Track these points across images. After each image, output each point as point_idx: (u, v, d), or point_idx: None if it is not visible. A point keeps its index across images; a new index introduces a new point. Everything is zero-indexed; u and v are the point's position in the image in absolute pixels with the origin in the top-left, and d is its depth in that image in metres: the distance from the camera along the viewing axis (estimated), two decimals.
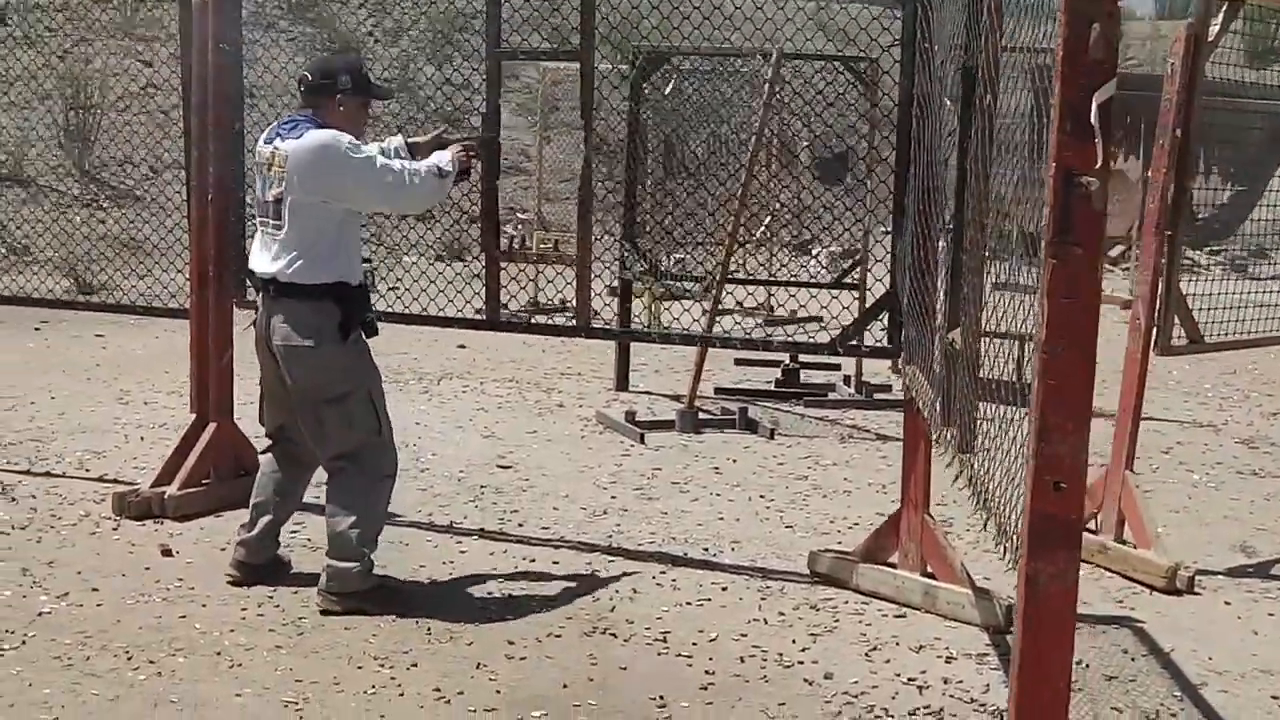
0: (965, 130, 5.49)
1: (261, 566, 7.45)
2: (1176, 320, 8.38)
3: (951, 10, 6.09)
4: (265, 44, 22.28)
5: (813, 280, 13.81)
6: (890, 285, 7.70)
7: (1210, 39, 8.23)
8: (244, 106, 9.05)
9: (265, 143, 7.22)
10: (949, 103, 5.93)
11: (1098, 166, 3.70)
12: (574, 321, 9.05)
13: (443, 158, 7.23)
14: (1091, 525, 8.47)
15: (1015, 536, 4.25)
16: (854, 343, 8.03)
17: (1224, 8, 8.32)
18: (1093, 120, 3.69)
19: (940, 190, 6.19)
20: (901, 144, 7.45)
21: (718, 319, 13.19)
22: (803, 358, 12.82)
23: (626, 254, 11.58)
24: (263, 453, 7.74)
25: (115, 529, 8.27)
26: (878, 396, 12.63)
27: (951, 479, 5.83)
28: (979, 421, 5.05)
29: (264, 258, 7.15)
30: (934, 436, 6.45)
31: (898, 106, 7.60)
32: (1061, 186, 3.72)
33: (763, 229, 16.04)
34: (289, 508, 7.63)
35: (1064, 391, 3.77)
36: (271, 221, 7.13)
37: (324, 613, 6.96)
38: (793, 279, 14.88)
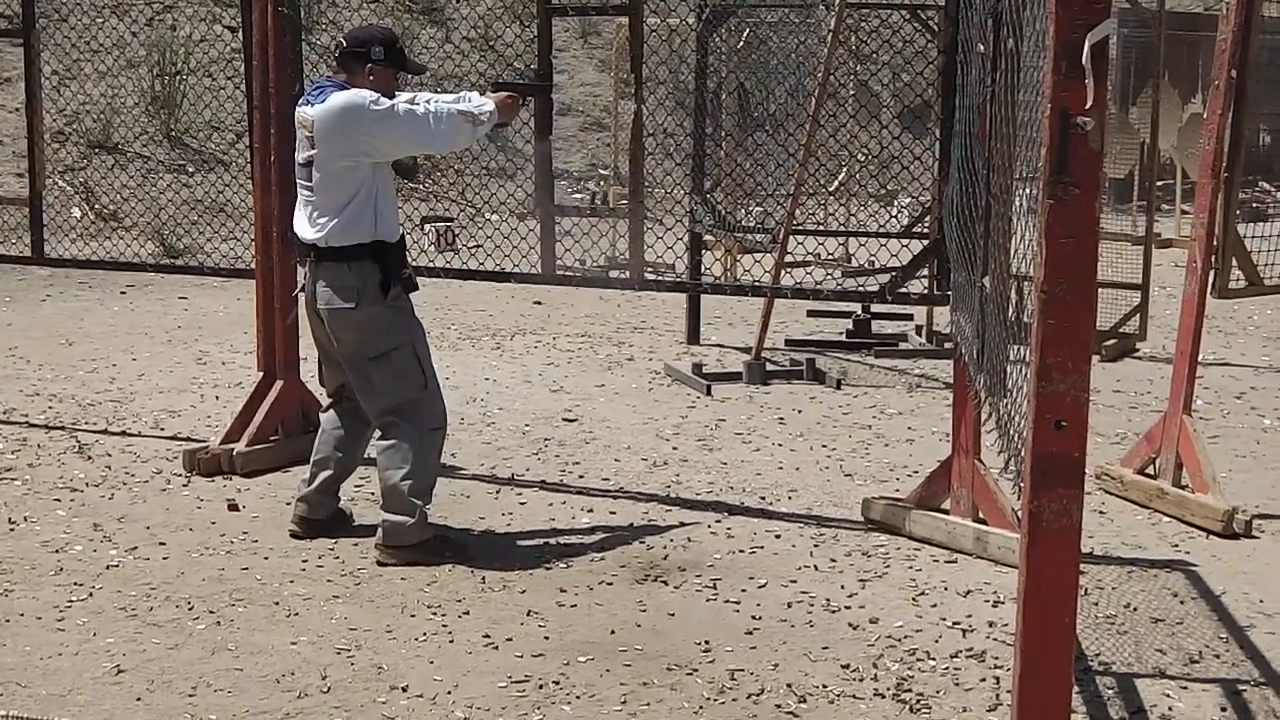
0: (992, 75, 5.50)
1: (322, 521, 7.57)
2: (1235, 262, 8.37)
3: None
4: (343, 6, 22.46)
5: (882, 230, 13.71)
6: (938, 233, 7.72)
7: None
8: (303, 67, 9.11)
9: (300, 106, 7.40)
10: (981, 49, 5.93)
11: (1092, 106, 3.72)
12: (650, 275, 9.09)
13: (477, 102, 7.30)
14: (1150, 470, 8.47)
15: None
16: (902, 290, 8.03)
17: None
18: (1085, 61, 3.71)
19: (978, 137, 6.21)
20: (946, 91, 7.46)
21: (791, 271, 13.24)
22: (875, 308, 12.80)
23: (696, 207, 11.62)
24: (323, 411, 7.82)
25: (185, 485, 8.41)
26: (947, 345, 12.61)
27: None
28: (1008, 365, 5.07)
29: (303, 222, 7.34)
30: (970, 382, 6.48)
31: (941, 54, 7.61)
32: (1058, 126, 3.74)
33: (839, 180, 16.02)
34: (349, 464, 7.71)
35: (1064, 330, 3.78)
36: (303, 184, 7.32)
37: (380, 564, 7.08)
38: (861, 229, 14.86)
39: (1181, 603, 6.83)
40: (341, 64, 7.31)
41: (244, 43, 9.11)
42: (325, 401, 7.82)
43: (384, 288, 7.12)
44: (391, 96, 7.22)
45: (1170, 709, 5.64)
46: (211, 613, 6.46)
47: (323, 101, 7.09)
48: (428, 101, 7.25)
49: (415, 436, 7.18)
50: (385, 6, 24.12)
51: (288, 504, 7.94)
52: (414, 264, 9.09)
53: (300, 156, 7.33)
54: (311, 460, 7.64)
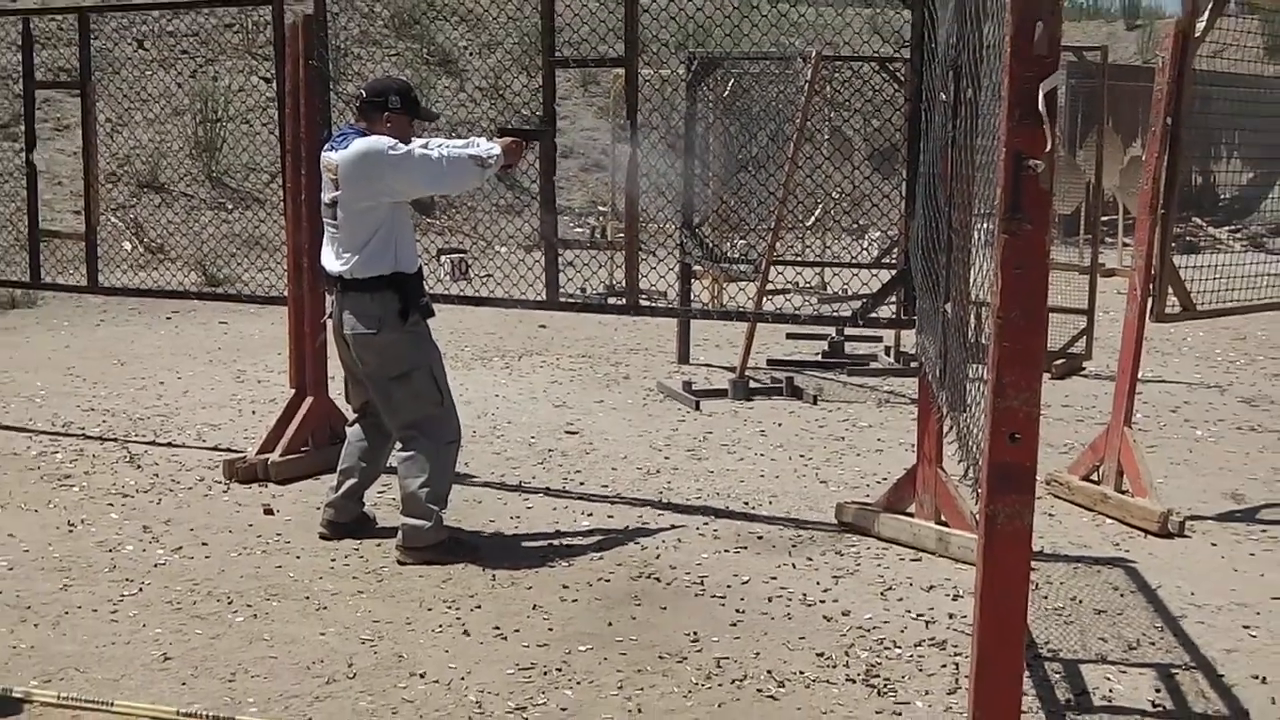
0: (953, 121, 5.51)
1: (347, 525, 7.59)
2: (1171, 290, 8.38)
3: (946, 15, 6.11)
4: (369, 60, 22.49)
5: (854, 261, 13.75)
6: (905, 263, 7.74)
7: (1197, 35, 8.19)
8: (330, 114, 9.12)
9: (323, 153, 7.47)
10: (943, 97, 5.94)
11: (1045, 150, 3.73)
12: (644, 302, 9.09)
13: (484, 147, 7.33)
14: (1095, 476, 8.49)
15: None
16: (872, 315, 8.05)
17: (1209, 6, 8.27)
18: (1039, 108, 3.72)
19: (940, 177, 6.21)
20: (913, 135, 7.48)
21: (772, 298, 13.25)
22: (848, 331, 12.84)
23: (686, 240, 11.63)
24: (349, 425, 7.84)
25: (225, 491, 8.42)
26: (913, 365, 12.61)
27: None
28: (967, 383, 5.07)
29: (330, 255, 7.35)
30: (933, 398, 6.49)
31: (907, 102, 7.63)
32: (1012, 168, 3.75)
33: (815, 216, 16.04)
34: (372, 473, 7.70)
35: (1017, 352, 3.79)
36: (329, 222, 7.37)
37: (400, 563, 7.10)
38: (834, 260, 14.90)
39: (1122, 596, 6.84)
40: (362, 113, 7.34)
41: (278, 93, 9.13)
42: (351, 416, 7.85)
43: (403, 315, 7.16)
44: (408, 141, 7.27)
45: (1111, 691, 5.65)
46: (249, 606, 6.47)
47: (345, 148, 7.15)
48: (440, 147, 7.33)
49: (432, 449, 7.21)
50: (405, 59, 24.17)
51: (317, 509, 7.95)
52: (431, 292, 9.11)
53: (326, 197, 7.37)
54: (338, 469, 7.66)
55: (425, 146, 7.28)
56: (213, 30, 22.01)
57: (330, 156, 7.27)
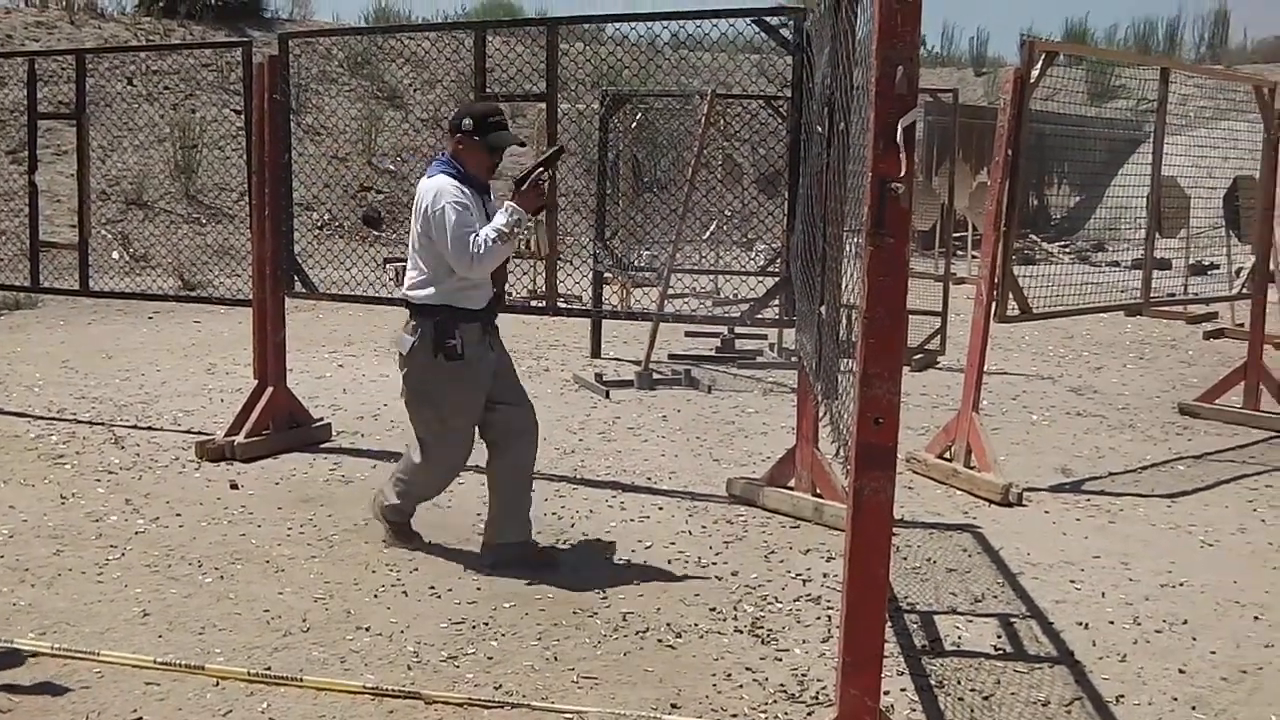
0: (827, 150, 5.49)
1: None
2: (1011, 295, 8.42)
3: (821, 60, 6.09)
4: (327, 95, 22.29)
5: (743, 269, 13.78)
6: (787, 271, 7.73)
7: (1032, 81, 8.23)
8: (292, 142, 9.01)
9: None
10: (819, 129, 5.92)
11: (903, 174, 3.72)
12: (562, 304, 9.01)
13: (499, 220, 6.30)
14: (947, 455, 8.51)
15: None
16: (759, 316, 8.04)
17: (1042, 57, 8.32)
18: (898, 140, 3.70)
19: (816, 198, 6.19)
20: (793, 162, 7.46)
21: (672, 301, 13.23)
22: (737, 330, 12.83)
23: (598, 251, 11.58)
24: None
25: (196, 469, 8.29)
26: (793, 359, 12.60)
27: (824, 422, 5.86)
28: (839, 375, 5.05)
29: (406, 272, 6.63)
30: (810, 387, 6.49)
31: (789, 133, 7.61)
32: (877, 190, 3.73)
33: (710, 231, 16.04)
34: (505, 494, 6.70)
35: (881, 348, 3.78)
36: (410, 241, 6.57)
37: (366, 523, 6.91)
38: (726, 269, 14.91)
39: (969, 556, 6.86)
40: (448, 136, 6.56)
41: (246, 122, 9.01)
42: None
43: (435, 347, 6.34)
44: (483, 169, 6.52)
45: (960, 638, 5.67)
46: (216, 569, 6.37)
47: (430, 178, 6.40)
48: (484, 235, 6.25)
49: (423, 468, 6.64)
50: (357, 94, 23.99)
51: (277, 484, 7.92)
52: (376, 296, 9.04)
53: (412, 218, 6.55)
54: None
55: (476, 233, 6.23)
56: (192, 69, 21.80)
57: (421, 182, 6.50)
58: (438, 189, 6.28)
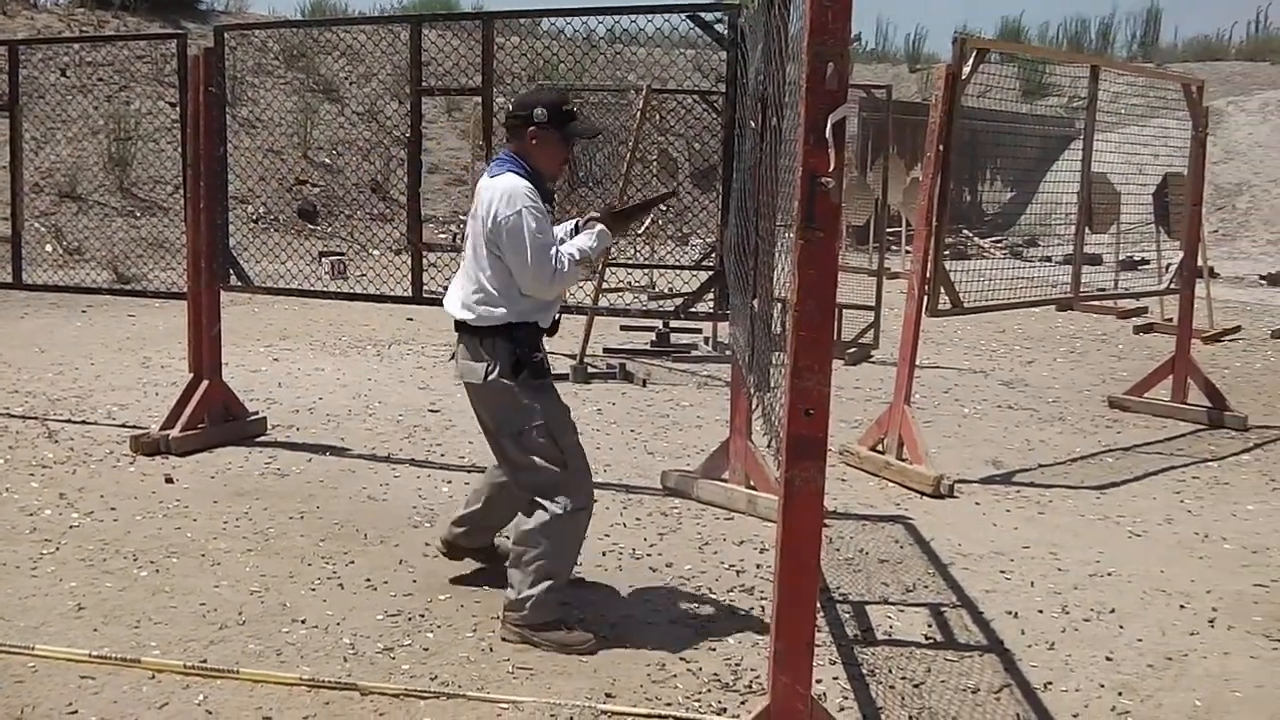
0: (761, 145, 5.52)
1: (470, 549, 6.17)
2: (943, 290, 8.49)
3: (755, 56, 6.13)
4: (262, 87, 22.16)
5: (678, 264, 13.81)
6: (721, 265, 7.77)
7: (964, 78, 8.30)
8: (227, 135, 8.97)
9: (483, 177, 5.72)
10: (753, 124, 5.95)
11: (833, 170, 3.75)
12: None
13: (585, 241, 5.70)
14: (880, 447, 8.58)
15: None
16: (693, 310, 8.07)
17: (974, 54, 8.39)
18: (828, 135, 3.74)
19: (750, 192, 6.23)
20: (728, 157, 7.49)
21: (608, 295, 13.26)
22: (672, 323, 12.88)
23: None
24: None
25: (131, 463, 8.23)
26: (727, 352, 12.65)
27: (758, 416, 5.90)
28: (771, 368, 5.09)
29: (454, 288, 5.74)
30: (744, 380, 6.53)
31: (723, 129, 7.65)
32: (807, 185, 3.77)
33: (645, 225, 16.06)
34: (502, 505, 5.99)
35: (811, 340, 3.81)
36: (464, 249, 5.74)
37: (504, 640, 5.49)
38: (661, 263, 14.94)
39: (901, 547, 6.92)
40: (510, 130, 5.66)
41: (181, 115, 8.96)
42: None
43: (516, 368, 5.48)
44: (557, 166, 5.73)
45: (891, 627, 5.72)
46: (152, 563, 6.34)
47: (493, 176, 5.54)
48: (562, 252, 5.53)
49: (556, 520, 5.49)
50: (293, 87, 23.89)
51: (212, 477, 7.88)
52: (313, 290, 9.03)
53: (470, 225, 5.72)
54: (472, 489, 6.29)
55: (555, 247, 5.50)
56: (126, 61, 21.65)
57: (481, 182, 5.65)
58: (510, 192, 5.41)
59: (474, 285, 5.52)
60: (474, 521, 6.09)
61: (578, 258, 5.57)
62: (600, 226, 5.76)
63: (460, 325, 5.59)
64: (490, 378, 5.47)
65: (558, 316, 5.79)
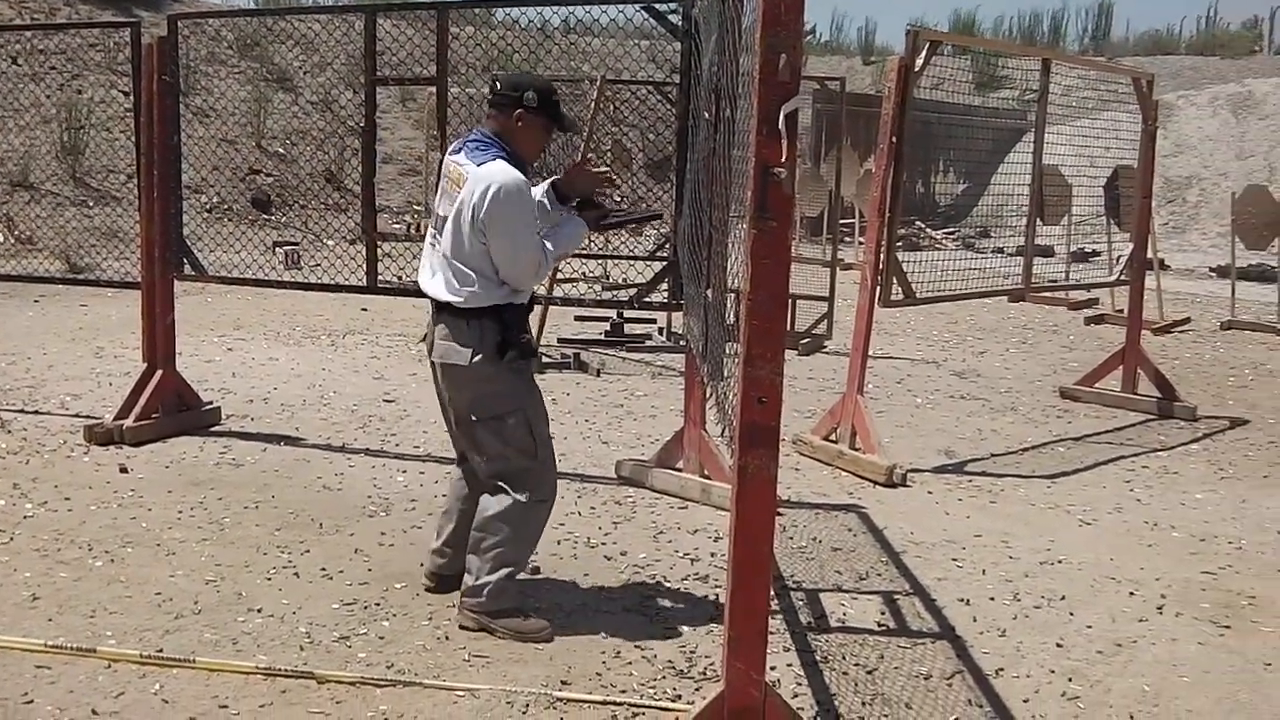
0: (714, 136, 5.55)
1: (455, 574, 5.76)
2: (895, 281, 8.54)
3: (709, 46, 6.15)
4: (216, 76, 22.04)
5: (632, 254, 13.84)
6: (675, 255, 7.79)
7: (917, 70, 8.35)
8: (181, 124, 8.93)
9: (452, 153, 5.54)
10: (706, 115, 5.98)
11: (785, 160, 3.78)
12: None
13: (570, 233, 5.64)
14: (833, 436, 8.63)
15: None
16: (647, 300, 8.10)
17: (926, 47, 8.43)
18: (781, 126, 3.77)
19: (703, 183, 6.25)
20: (681, 147, 7.51)
21: (562, 285, 13.26)
22: (626, 314, 12.89)
23: None
24: (456, 464, 6.00)
25: (85, 453, 8.19)
26: (681, 342, 12.68)
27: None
28: (724, 358, 5.12)
29: (426, 271, 5.56)
30: (698, 370, 6.56)
31: (677, 119, 7.67)
32: (759, 175, 3.79)
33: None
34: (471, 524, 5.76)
35: (764, 330, 3.83)
36: (434, 233, 5.52)
37: (462, 628, 5.47)
38: (616, 253, 14.94)
39: (854, 535, 6.97)
40: (494, 105, 5.47)
41: (135, 104, 8.92)
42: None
43: (501, 349, 5.36)
44: (536, 153, 5.63)
45: (845, 614, 5.77)
46: (107, 553, 6.31)
47: (480, 162, 5.31)
48: (549, 244, 5.47)
49: (520, 508, 5.47)
50: (247, 76, 23.77)
51: (167, 467, 7.85)
52: (267, 279, 9.00)
53: (440, 209, 5.49)
54: (440, 513, 6.03)
55: (542, 241, 5.43)
56: (79, 49, 21.47)
57: (458, 163, 5.42)
58: (501, 180, 5.24)
59: (460, 268, 5.34)
60: (454, 544, 5.82)
61: (556, 254, 5.55)
62: (580, 219, 5.70)
63: (444, 307, 5.43)
64: (476, 360, 5.34)
65: (535, 293, 5.75)
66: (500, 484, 5.49)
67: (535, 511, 5.54)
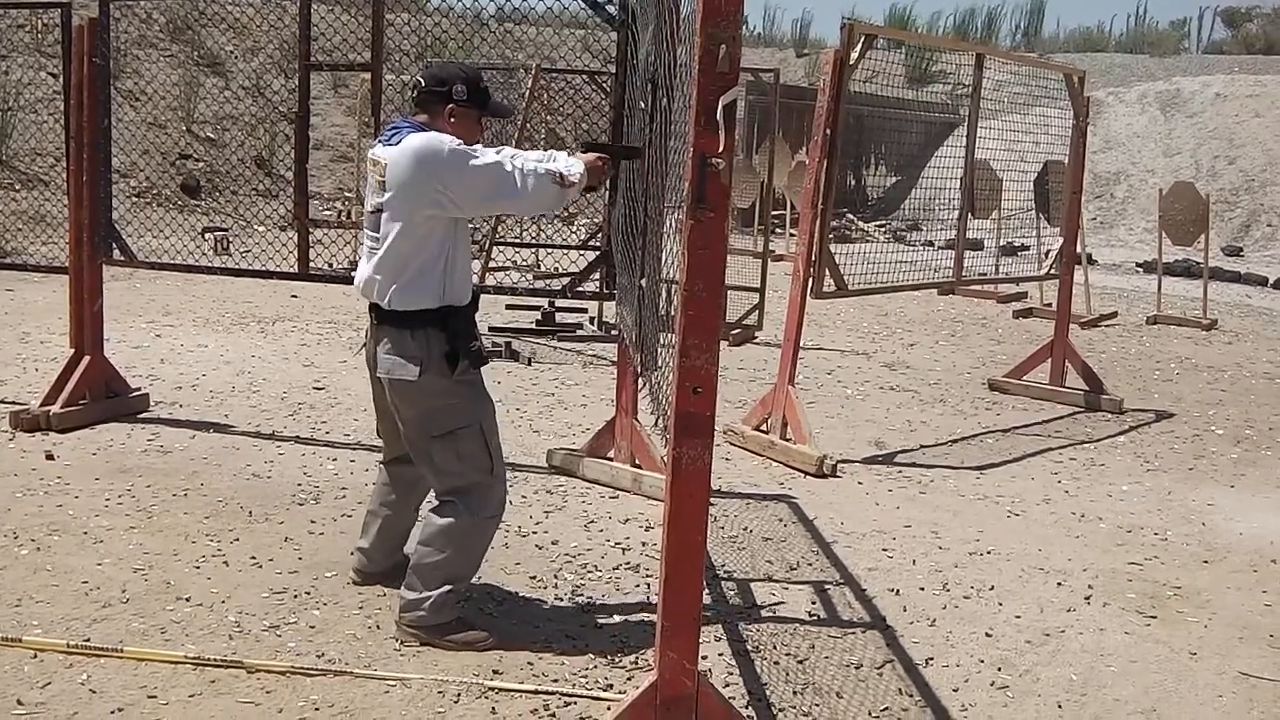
0: (650, 126, 5.54)
1: (379, 573, 5.78)
2: (827, 272, 8.57)
3: (646, 36, 6.15)
4: (146, 60, 21.82)
5: (565, 243, 13.83)
6: (608, 245, 7.79)
7: (851, 63, 8.37)
8: (111, 107, 8.82)
9: (371, 150, 5.30)
10: (642, 105, 5.97)
11: (723, 151, 3.79)
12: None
13: (565, 163, 5.26)
14: (764, 427, 8.65)
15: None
16: (579, 289, 8.09)
17: (860, 40, 8.46)
18: (719, 117, 3.77)
19: (638, 173, 6.24)
20: (616, 137, 7.48)
21: (494, 273, 13.23)
22: (558, 303, 12.87)
23: None
24: (381, 462, 5.88)
25: (11, 439, 8.07)
26: (613, 332, 12.68)
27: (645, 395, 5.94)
28: (658, 348, 5.12)
29: (364, 275, 5.24)
30: (630, 359, 6.56)
31: (612, 109, 7.66)
32: (697, 165, 3.79)
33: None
34: (399, 526, 5.82)
35: (699, 319, 3.84)
36: (370, 234, 5.23)
37: (402, 643, 5.23)
38: (549, 242, 14.93)
39: (785, 526, 7.00)
40: (420, 104, 5.23)
41: (64, 86, 8.81)
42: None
43: (451, 359, 5.11)
44: (475, 140, 5.25)
45: (776, 604, 5.79)
46: (33, 540, 6.22)
47: (396, 144, 5.07)
48: (514, 158, 5.16)
49: (468, 523, 5.23)
50: (178, 60, 23.53)
51: (94, 454, 7.75)
52: (196, 265, 8.91)
53: (369, 203, 5.24)
54: (366, 511, 5.91)
55: (498, 153, 5.16)
56: (5, 30, 21.16)
57: (377, 152, 5.17)
58: (430, 138, 5.04)
59: (398, 269, 5.09)
60: (376, 547, 5.78)
61: (554, 170, 5.13)
62: (579, 156, 5.37)
63: (385, 318, 5.14)
64: (425, 375, 5.08)
65: (476, 291, 5.39)
66: (451, 499, 5.26)
67: (483, 528, 5.30)
